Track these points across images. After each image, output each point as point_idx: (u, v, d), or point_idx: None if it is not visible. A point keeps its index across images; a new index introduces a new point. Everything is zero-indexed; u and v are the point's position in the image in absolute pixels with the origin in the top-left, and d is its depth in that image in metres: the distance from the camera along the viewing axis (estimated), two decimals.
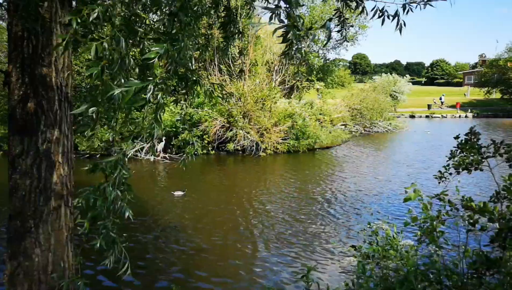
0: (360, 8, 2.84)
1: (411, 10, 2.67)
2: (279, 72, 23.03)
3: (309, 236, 8.75)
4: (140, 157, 17.22)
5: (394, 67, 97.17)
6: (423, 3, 2.69)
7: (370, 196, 11.82)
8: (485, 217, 3.36)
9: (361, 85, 36.05)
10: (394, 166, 16.41)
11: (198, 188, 12.83)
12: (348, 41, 26.90)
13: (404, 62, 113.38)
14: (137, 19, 2.59)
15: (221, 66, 19.61)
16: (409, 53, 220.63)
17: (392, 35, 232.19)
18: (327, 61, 31.48)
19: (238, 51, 20.03)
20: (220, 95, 3.24)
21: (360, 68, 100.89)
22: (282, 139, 19.16)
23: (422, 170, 15.12)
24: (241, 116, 18.63)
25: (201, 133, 18.22)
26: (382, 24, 2.70)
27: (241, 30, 3.88)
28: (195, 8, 2.54)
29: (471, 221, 3.23)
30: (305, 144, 19.22)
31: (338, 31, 3.27)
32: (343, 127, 25.12)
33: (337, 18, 3.01)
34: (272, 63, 23.03)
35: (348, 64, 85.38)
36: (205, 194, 12.11)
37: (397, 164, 16.91)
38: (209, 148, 18.62)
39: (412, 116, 40.87)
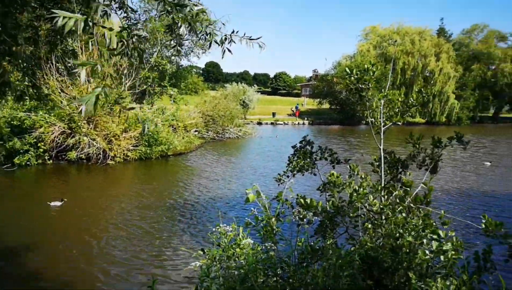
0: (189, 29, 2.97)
1: (234, 42, 2.96)
2: (129, 76, 21.91)
3: (159, 244, 8.54)
4: None
5: (244, 77, 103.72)
6: (242, 38, 3.02)
7: (221, 199, 12.26)
8: (311, 212, 3.85)
9: (213, 93, 37.27)
10: (243, 170, 17.41)
11: (32, 205, 11.14)
12: (193, 52, 27.59)
13: (252, 73, 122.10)
14: None
15: (58, 65, 17.49)
16: (257, 64, 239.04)
17: (242, 46, 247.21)
18: (180, 68, 31.57)
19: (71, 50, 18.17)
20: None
21: (213, 76, 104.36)
22: (133, 146, 18.25)
23: (268, 172, 16.44)
24: (85, 122, 17.02)
25: (35, 140, 15.90)
26: (209, 47, 2.94)
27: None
28: None
29: (301, 216, 3.64)
30: (158, 151, 18.72)
31: (173, 47, 3.37)
32: (196, 133, 25.47)
33: (169, 33, 3.06)
34: (121, 66, 21.77)
35: (201, 71, 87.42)
36: (42, 212, 10.58)
37: (245, 168, 18.00)
38: (46, 157, 16.39)
39: (260, 123, 44.24)
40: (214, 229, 4.10)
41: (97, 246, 8.45)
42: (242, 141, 28.51)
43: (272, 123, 45.41)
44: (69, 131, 16.89)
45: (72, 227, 9.66)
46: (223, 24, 3.01)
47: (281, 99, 71.81)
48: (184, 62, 32.81)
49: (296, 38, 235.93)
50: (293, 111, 52.01)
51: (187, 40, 26.01)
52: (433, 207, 4.72)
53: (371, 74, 5.12)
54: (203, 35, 2.93)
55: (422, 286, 3.51)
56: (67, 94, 17.64)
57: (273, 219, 3.54)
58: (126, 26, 2.52)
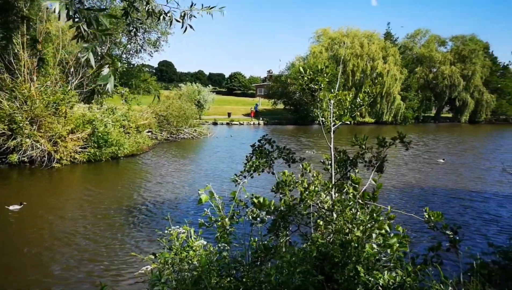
0: (147, 9, 2.87)
1: (194, 16, 2.88)
2: (76, 74, 20.91)
3: (110, 250, 8.22)
4: None
5: (199, 77, 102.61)
6: (202, 10, 2.95)
7: (174, 202, 12.03)
8: (264, 211, 3.88)
9: (167, 92, 36.48)
10: (197, 171, 17.21)
11: None
12: (143, 47, 26.87)
13: (207, 72, 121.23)
14: None
15: None
16: (212, 64, 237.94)
17: (197, 45, 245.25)
18: (132, 66, 30.63)
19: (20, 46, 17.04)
20: None
21: (167, 75, 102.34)
22: (81, 148, 17.41)
23: (222, 173, 16.39)
24: (28, 122, 15.98)
25: None
26: (170, 25, 2.86)
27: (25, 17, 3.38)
28: None
29: (254, 215, 3.67)
30: (108, 152, 17.99)
31: (129, 31, 3.25)
32: (149, 133, 24.82)
33: (125, 18, 2.95)
34: (67, 63, 20.72)
35: (154, 70, 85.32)
36: None
37: (199, 169, 17.81)
38: None
39: (215, 123, 44.00)
40: (165, 232, 4.00)
41: (44, 252, 7.96)
42: (197, 141, 28.19)
43: (227, 123, 45.33)
44: (10, 133, 15.79)
45: (17, 234, 9.03)
46: None
47: (236, 99, 71.91)
48: (135, 61, 31.87)
49: (251, 39, 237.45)
50: (252, 110, 52.41)
51: (141, 24, 25.08)
52: (382, 203, 4.95)
53: (324, 75, 5.26)
54: (161, 15, 2.84)
55: (370, 279, 3.66)
56: (6, 93, 16.48)
57: (227, 219, 3.54)
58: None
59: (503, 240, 8.71)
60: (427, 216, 4.49)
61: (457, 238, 4.49)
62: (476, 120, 62.54)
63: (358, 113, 50.88)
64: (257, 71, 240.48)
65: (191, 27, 3.06)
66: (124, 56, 27.90)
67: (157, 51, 29.80)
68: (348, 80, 50.16)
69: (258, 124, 47.18)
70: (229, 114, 49.36)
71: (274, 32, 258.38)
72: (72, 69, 20.61)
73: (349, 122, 5.52)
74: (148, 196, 12.60)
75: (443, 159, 21.17)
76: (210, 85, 50.60)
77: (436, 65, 61.01)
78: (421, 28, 64.14)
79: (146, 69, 40.92)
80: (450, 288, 3.90)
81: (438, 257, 4.24)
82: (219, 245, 3.45)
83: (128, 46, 28.12)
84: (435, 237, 7.03)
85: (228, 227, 3.50)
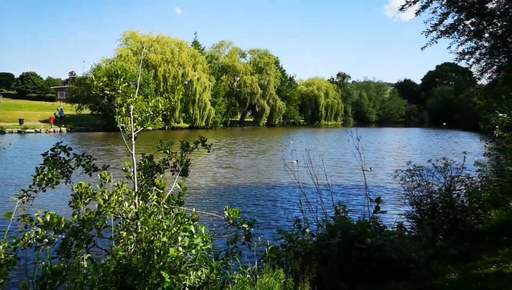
0: None
1: None
2: None
3: None
4: None
5: None
6: None
7: None
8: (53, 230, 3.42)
9: None
10: None
11: None
12: None
13: None
14: None
15: None
16: None
17: None
18: None
19: None
20: None
21: None
22: None
23: (5, 189, 13.77)
24: None
25: None
26: None
27: None
28: None
29: (39, 237, 3.18)
30: None
31: None
32: None
33: None
34: None
35: None
36: None
37: None
38: None
39: (2, 132, 36.82)
40: None
41: None
42: None
43: (19, 132, 38.55)
44: None
45: None
46: None
47: (30, 104, 61.82)
48: None
49: (46, 34, 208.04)
50: (56, 116, 45.92)
51: None
52: (189, 205, 5.09)
53: (121, 79, 5.04)
54: None
55: (176, 282, 3.70)
56: None
57: (0, 247, 2.94)
58: None
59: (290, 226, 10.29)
60: (227, 214, 4.89)
61: (252, 230, 5.06)
62: (271, 123, 72.48)
63: (173, 119, 51.53)
64: (57, 73, 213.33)
65: None
66: None
67: None
68: (160, 86, 50.07)
69: (60, 131, 41.94)
70: (21, 121, 42.07)
71: (74, 30, 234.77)
72: None
73: (150, 128, 5.44)
74: None
75: (297, 161, 22.16)
76: None
77: (239, 74, 67.71)
78: (225, 40, 70.09)
79: None
80: (248, 275, 4.34)
81: (238, 250, 4.67)
82: None
83: None
84: (236, 231, 7.70)
85: (2, 257, 2.92)
